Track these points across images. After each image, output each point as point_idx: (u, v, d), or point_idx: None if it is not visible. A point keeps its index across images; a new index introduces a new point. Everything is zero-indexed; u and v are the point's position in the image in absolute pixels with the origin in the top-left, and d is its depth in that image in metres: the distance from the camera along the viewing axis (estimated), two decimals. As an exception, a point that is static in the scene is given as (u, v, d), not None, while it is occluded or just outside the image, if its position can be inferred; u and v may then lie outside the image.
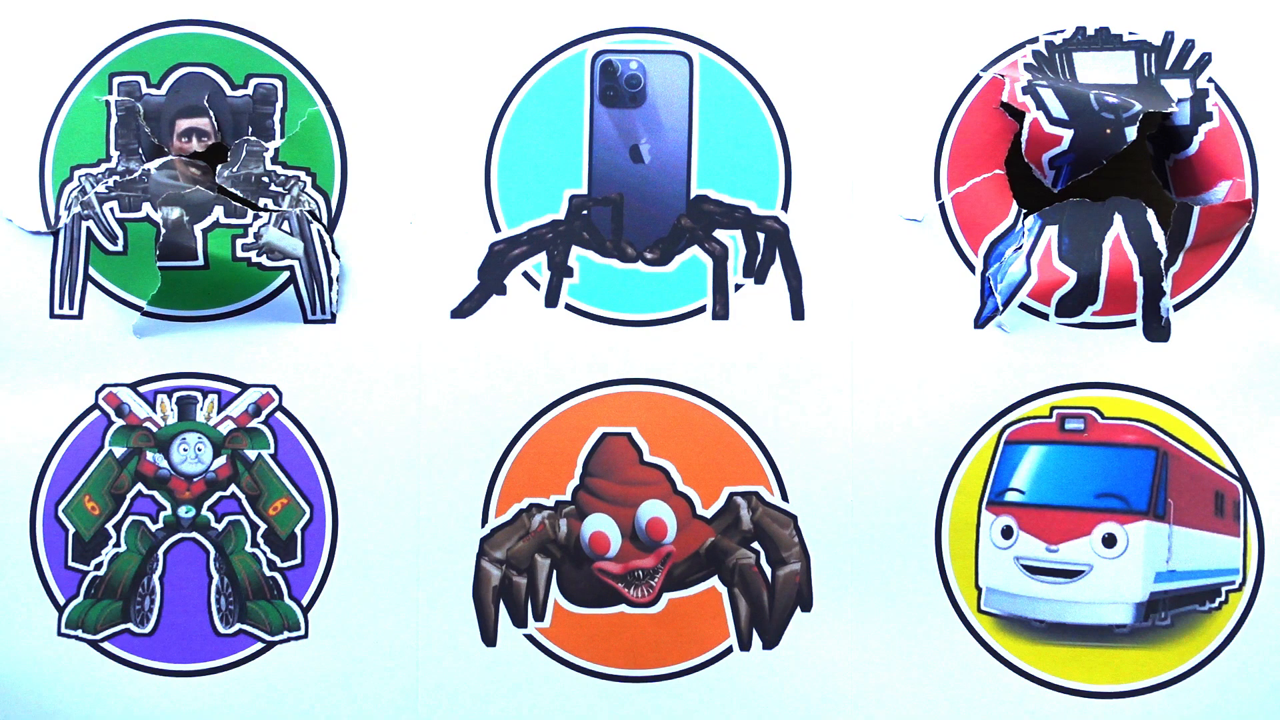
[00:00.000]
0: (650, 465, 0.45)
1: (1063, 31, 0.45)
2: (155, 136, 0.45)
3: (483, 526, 0.45)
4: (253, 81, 0.45)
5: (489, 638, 0.45)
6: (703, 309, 0.45)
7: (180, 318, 0.45)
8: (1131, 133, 0.43)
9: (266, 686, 0.44)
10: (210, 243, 0.44)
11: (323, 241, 0.45)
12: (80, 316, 0.45)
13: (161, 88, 0.45)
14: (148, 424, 0.45)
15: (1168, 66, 0.45)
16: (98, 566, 0.45)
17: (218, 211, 0.44)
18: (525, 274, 0.45)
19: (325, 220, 0.45)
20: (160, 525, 0.45)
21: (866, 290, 0.44)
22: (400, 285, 0.45)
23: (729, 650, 0.44)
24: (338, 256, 0.45)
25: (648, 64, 0.45)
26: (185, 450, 0.45)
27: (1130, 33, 0.45)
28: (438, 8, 0.46)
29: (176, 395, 0.45)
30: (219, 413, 0.45)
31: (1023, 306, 0.44)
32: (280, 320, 0.45)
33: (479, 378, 0.45)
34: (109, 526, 0.45)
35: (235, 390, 0.45)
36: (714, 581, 0.45)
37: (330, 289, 0.45)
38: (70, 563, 0.45)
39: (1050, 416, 0.45)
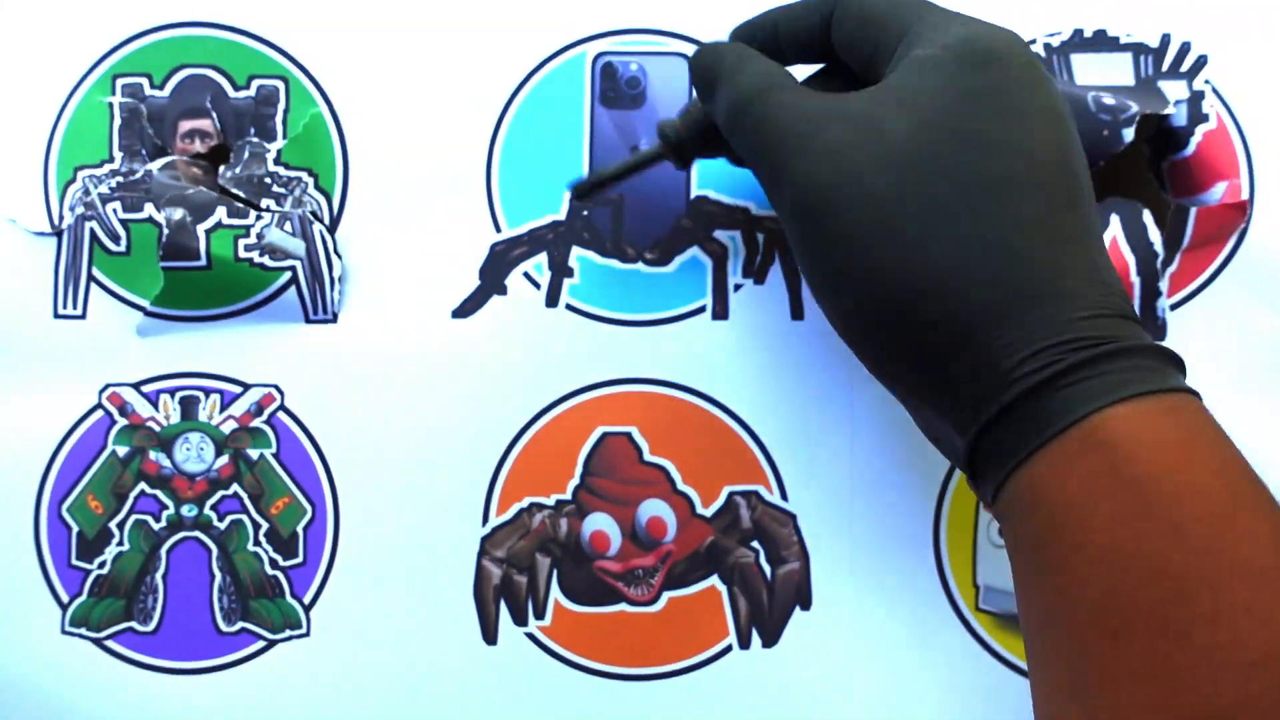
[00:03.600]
0: (650, 465, 0.45)
1: (1060, 33, 0.45)
2: (159, 138, 0.45)
3: (483, 525, 0.45)
4: (255, 83, 0.46)
5: (490, 636, 0.45)
6: (703, 309, 0.45)
7: (183, 318, 0.45)
8: (1129, 134, 0.43)
9: (268, 684, 0.45)
10: (213, 243, 0.44)
11: (324, 242, 0.45)
12: (84, 316, 0.45)
13: (165, 89, 0.46)
14: (150, 423, 0.45)
15: (1164, 68, 0.45)
16: (101, 565, 0.45)
17: (220, 212, 0.45)
18: (526, 274, 0.45)
19: (328, 221, 0.45)
20: (163, 524, 0.45)
21: (865, 290, 0.44)
22: (401, 285, 0.45)
23: (729, 648, 0.45)
24: (339, 257, 0.45)
25: (647, 65, 0.46)
26: (188, 449, 0.45)
27: (1127, 34, 0.45)
28: (438, 9, 0.46)
29: (179, 395, 0.45)
30: (221, 412, 0.45)
31: (1021, 307, 0.45)
32: (282, 320, 0.45)
33: (479, 377, 0.45)
34: (112, 525, 0.45)
35: (237, 390, 0.45)
36: (714, 580, 0.45)
37: (332, 289, 0.45)
38: (74, 561, 0.45)
39: (1048, 416, 0.45)
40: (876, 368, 0.32)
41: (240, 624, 0.45)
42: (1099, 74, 0.45)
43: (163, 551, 0.45)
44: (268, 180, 0.45)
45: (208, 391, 0.45)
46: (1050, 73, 0.30)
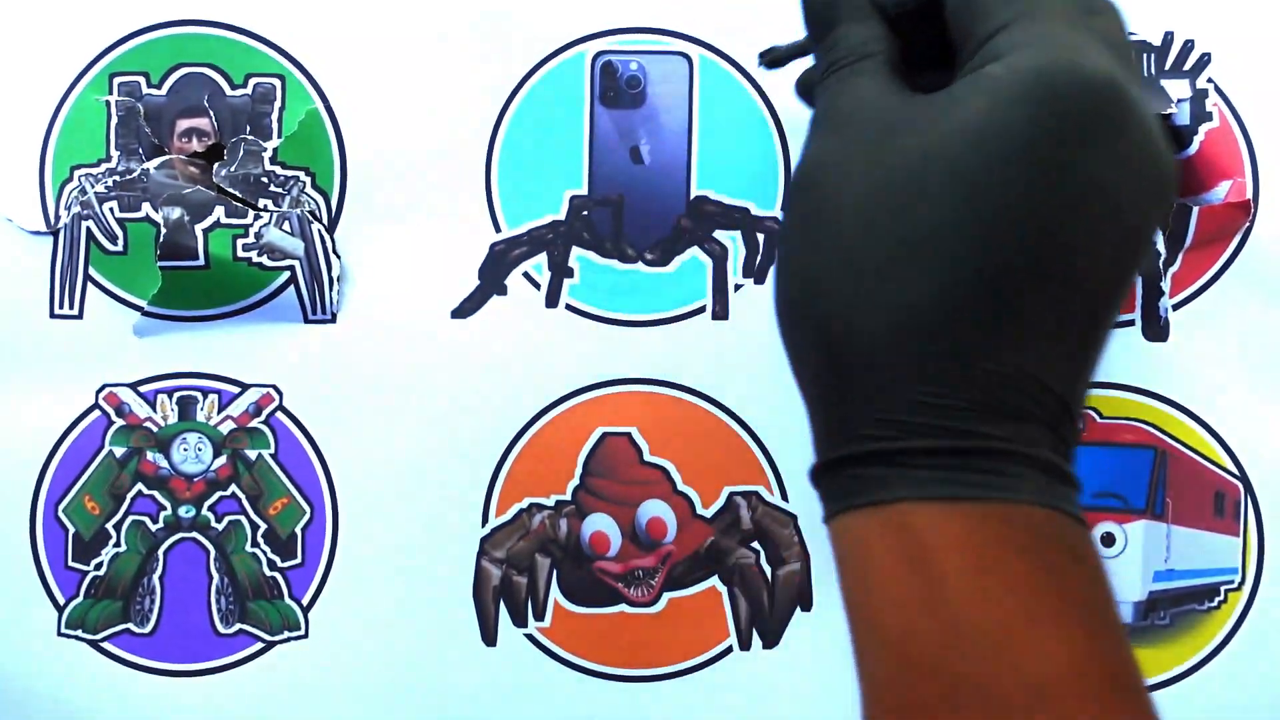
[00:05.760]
0: (650, 465, 0.45)
1: (1062, 31, 0.45)
2: (156, 137, 0.45)
3: (483, 526, 0.45)
4: (252, 81, 0.45)
5: (489, 637, 0.45)
6: (703, 309, 0.45)
7: (181, 317, 0.45)
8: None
9: (266, 686, 0.45)
10: (211, 243, 0.44)
11: (323, 241, 0.45)
12: (80, 316, 0.45)
13: (162, 88, 0.45)
14: (148, 424, 0.45)
15: (1167, 67, 0.45)
16: (98, 566, 0.45)
17: (218, 211, 0.44)
18: (526, 274, 0.45)
19: (325, 220, 0.45)
20: (160, 525, 0.45)
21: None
22: (400, 285, 0.45)
23: (729, 649, 0.44)
24: (338, 256, 0.45)
25: (647, 65, 0.45)
26: (185, 450, 0.45)
27: (1130, 33, 0.45)
28: (437, 8, 0.46)
29: (177, 395, 0.45)
30: (219, 412, 0.45)
31: (1022, 306, 0.44)
32: (281, 320, 0.45)
33: (479, 378, 0.45)
34: (109, 526, 0.45)
35: (236, 390, 0.45)
36: (714, 581, 0.45)
37: (331, 289, 0.45)
38: (70, 562, 0.45)
39: (1050, 416, 0.45)
40: (789, 359, 0.31)
41: (238, 625, 0.45)
42: (1101, 72, 0.45)
43: (160, 553, 0.45)
44: (264, 179, 0.45)
45: (206, 392, 0.45)
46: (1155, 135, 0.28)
